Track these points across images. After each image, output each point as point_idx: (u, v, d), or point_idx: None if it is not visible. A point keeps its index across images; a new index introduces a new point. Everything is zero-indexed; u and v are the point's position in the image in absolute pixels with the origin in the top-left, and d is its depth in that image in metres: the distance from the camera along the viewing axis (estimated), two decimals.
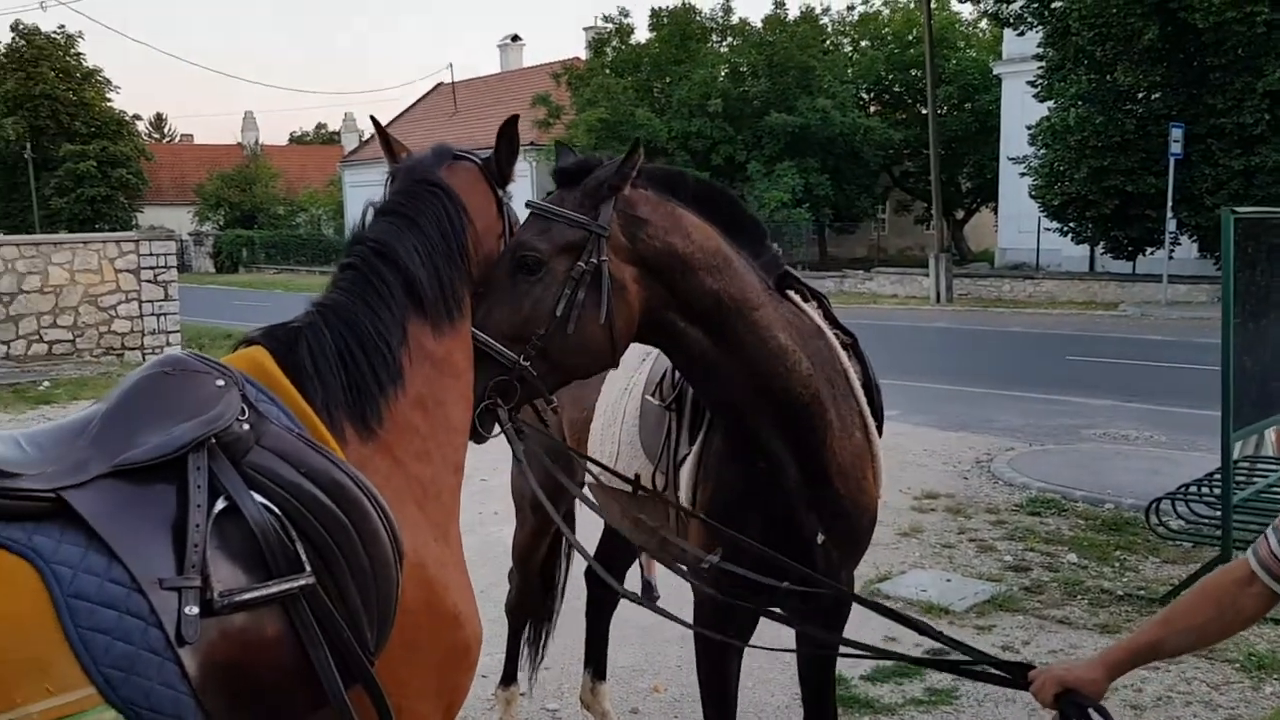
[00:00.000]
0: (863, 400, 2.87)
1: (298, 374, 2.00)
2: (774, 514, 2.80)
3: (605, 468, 3.09)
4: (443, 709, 2.09)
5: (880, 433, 2.97)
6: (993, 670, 2.50)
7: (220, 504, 1.74)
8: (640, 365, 3.31)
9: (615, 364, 2.63)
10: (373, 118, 2.65)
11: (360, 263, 2.16)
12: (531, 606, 4.34)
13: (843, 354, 2.87)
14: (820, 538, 2.82)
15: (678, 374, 3.03)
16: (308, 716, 1.81)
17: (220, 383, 1.87)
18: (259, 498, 1.78)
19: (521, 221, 2.50)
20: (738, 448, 2.82)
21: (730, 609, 2.88)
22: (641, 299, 2.51)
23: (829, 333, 2.87)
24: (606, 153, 2.76)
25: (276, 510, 1.78)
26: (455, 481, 2.23)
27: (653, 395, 3.13)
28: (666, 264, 2.52)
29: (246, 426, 1.83)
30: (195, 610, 1.65)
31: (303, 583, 1.75)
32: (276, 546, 1.76)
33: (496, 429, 2.43)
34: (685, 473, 2.96)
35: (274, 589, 1.73)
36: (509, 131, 2.38)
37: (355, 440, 2.01)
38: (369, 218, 2.26)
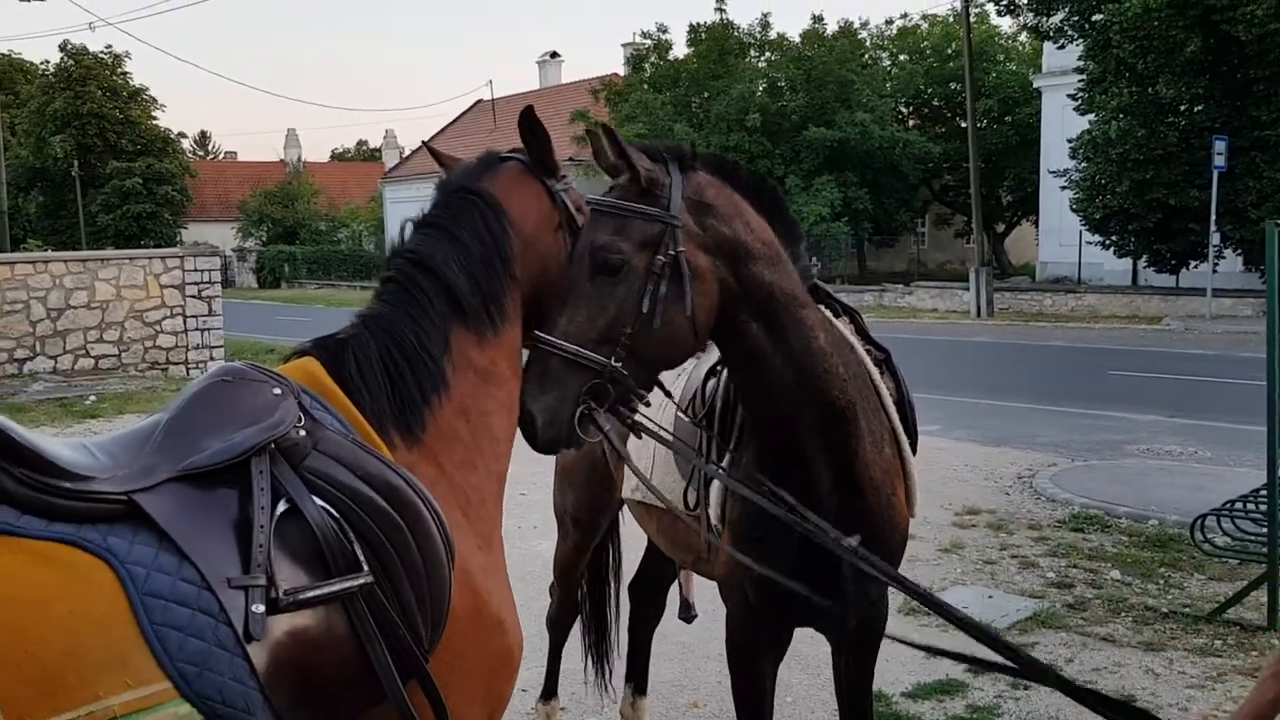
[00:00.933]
0: (894, 416, 2.87)
1: (345, 383, 2.06)
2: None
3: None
4: (486, 715, 2.12)
5: (914, 450, 2.95)
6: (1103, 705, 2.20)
7: (282, 506, 1.81)
8: (675, 382, 3.33)
9: (701, 350, 2.65)
10: (425, 143, 2.70)
11: (399, 275, 2.21)
12: (570, 620, 4.36)
13: (874, 369, 2.87)
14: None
15: (708, 390, 3.05)
16: (366, 712, 1.86)
17: (277, 391, 1.93)
18: (318, 500, 1.84)
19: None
20: (770, 460, 2.78)
21: (760, 615, 2.90)
22: (715, 285, 2.51)
23: (860, 348, 2.87)
24: (663, 141, 2.73)
25: (334, 513, 1.84)
26: (498, 490, 2.27)
27: (685, 413, 3.15)
28: (732, 250, 2.52)
29: (304, 433, 1.89)
30: (261, 608, 1.71)
31: (361, 582, 1.81)
32: (336, 547, 1.82)
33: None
34: (715, 489, 2.97)
35: (335, 588, 1.79)
36: (529, 122, 2.36)
37: (402, 447, 2.06)
38: (408, 232, 2.30)
